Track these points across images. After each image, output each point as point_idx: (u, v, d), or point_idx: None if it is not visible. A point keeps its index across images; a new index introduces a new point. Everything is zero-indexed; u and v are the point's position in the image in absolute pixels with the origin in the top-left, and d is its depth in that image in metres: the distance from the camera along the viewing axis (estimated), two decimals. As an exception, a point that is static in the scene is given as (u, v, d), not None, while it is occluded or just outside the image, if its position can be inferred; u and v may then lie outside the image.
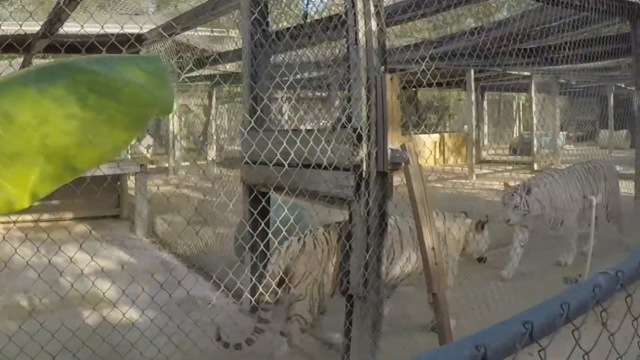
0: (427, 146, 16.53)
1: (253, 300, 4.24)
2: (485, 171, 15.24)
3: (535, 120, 15.57)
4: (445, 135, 18.37)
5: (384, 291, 3.57)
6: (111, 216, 9.33)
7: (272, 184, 3.72)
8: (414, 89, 22.51)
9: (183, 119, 17.91)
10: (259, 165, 3.97)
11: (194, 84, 16.43)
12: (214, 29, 8.84)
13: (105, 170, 7.08)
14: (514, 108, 26.18)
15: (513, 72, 15.03)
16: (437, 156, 17.41)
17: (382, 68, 3.37)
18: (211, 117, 17.40)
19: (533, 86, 15.60)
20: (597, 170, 6.00)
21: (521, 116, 25.48)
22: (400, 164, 3.25)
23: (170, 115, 16.17)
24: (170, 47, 8.78)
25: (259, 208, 3.99)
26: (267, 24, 4.39)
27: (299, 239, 3.74)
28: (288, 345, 3.70)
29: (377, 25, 3.30)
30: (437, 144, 17.51)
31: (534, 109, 15.64)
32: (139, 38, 8.05)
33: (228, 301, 4.94)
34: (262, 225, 4.14)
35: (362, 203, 3.31)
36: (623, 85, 21.02)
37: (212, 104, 17.35)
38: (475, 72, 13.79)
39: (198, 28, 7.98)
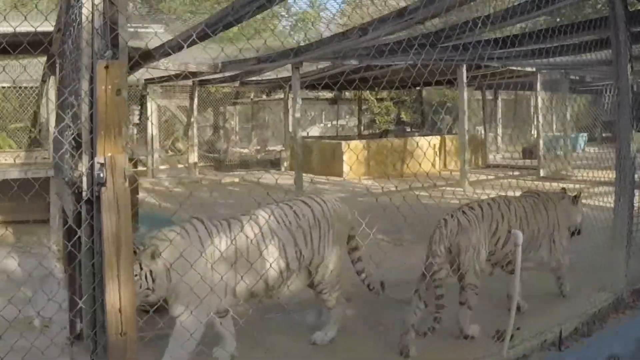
0: (422, 149, 15.17)
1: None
2: (482, 177, 13.82)
3: (540, 121, 14.07)
4: (447, 137, 16.94)
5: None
6: (41, 221, 8.49)
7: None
8: (417, 88, 21.26)
9: (163, 120, 16.97)
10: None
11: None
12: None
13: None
14: (532, 107, 24.58)
15: (515, 69, 13.66)
16: (436, 160, 16.02)
17: (109, 53, 2.17)
18: (192, 119, 16.44)
19: (538, 84, 14.12)
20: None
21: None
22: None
23: (150, 117, 15.29)
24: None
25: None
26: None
27: (452, 217, 4.12)
28: (470, 310, 4.06)
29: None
30: (437, 147, 16.11)
31: (539, 108, 14.14)
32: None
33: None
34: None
35: (85, 231, 2.55)
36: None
37: (194, 105, 16.41)
38: (470, 69, 12.39)
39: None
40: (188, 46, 5.63)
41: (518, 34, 7.12)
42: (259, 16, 6.26)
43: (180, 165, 16.94)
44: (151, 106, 15.17)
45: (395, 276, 5.01)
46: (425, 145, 15.61)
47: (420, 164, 13.91)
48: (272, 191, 4.15)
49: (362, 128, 21.86)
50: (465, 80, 12.16)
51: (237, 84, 16.51)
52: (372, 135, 18.53)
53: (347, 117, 25.20)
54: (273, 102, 21.29)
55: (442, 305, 3.77)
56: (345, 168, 14.13)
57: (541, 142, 14.34)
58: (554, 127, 16.22)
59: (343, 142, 14.63)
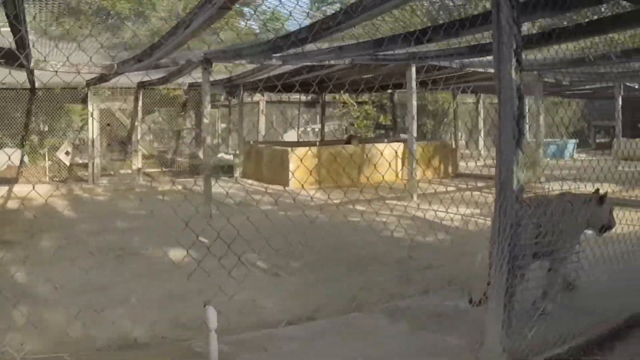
0: (385, 157, 13.87)
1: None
2: (441, 189, 12.46)
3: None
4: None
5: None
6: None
7: None
8: (389, 92, 19.96)
9: (105, 125, 15.81)
10: None
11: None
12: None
13: None
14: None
15: (480, 70, 12.34)
16: (398, 168, 14.70)
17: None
18: (137, 123, 15.29)
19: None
20: None
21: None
22: None
23: (90, 121, 14.22)
24: None
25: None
26: None
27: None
28: None
29: None
30: (400, 154, 14.76)
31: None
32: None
33: None
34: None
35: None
36: (638, 86, 17.94)
37: (138, 108, 15.25)
38: (421, 72, 11.11)
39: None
40: None
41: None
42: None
43: (124, 171, 15.81)
44: (92, 109, 14.03)
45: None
46: (389, 153, 14.33)
47: (383, 173, 12.68)
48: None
49: (324, 133, 20.56)
50: (414, 83, 10.84)
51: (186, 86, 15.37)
52: (338, 141, 17.21)
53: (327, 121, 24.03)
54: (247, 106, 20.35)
55: None
56: (291, 177, 12.83)
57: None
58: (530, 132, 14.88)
59: (289, 149, 13.30)
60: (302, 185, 11.81)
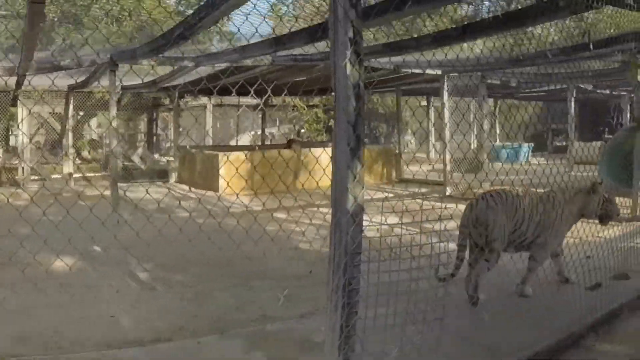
0: (320, 163, 13.19)
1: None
2: (374, 196, 11.86)
3: (447, 130, 12.17)
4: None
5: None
6: None
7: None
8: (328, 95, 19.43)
9: (35, 128, 15.05)
10: None
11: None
12: None
13: None
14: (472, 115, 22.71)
15: (419, 72, 11.83)
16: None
17: None
18: (67, 127, 14.51)
19: (446, 88, 12.26)
20: None
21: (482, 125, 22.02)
22: None
23: (20, 124, 13.49)
24: None
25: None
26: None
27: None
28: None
29: None
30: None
31: (446, 115, 12.26)
32: None
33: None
34: None
35: None
36: (591, 88, 17.66)
37: (69, 112, 14.46)
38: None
39: None
40: None
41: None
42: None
43: (56, 176, 14.97)
44: (22, 113, 13.24)
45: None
46: (326, 158, 13.68)
47: (319, 179, 12.02)
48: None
49: (264, 137, 19.98)
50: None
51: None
52: (279, 146, 16.57)
53: (277, 125, 23.41)
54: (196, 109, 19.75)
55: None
56: (222, 182, 12.13)
57: (447, 154, 12.41)
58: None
59: (220, 154, 12.60)
60: (236, 192, 11.10)
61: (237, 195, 9.68)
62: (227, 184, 11.82)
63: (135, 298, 5.25)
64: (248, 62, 8.72)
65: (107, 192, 12.29)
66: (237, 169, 11.05)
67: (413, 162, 16.71)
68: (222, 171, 12.25)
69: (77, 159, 16.51)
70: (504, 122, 16.92)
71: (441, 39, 6.47)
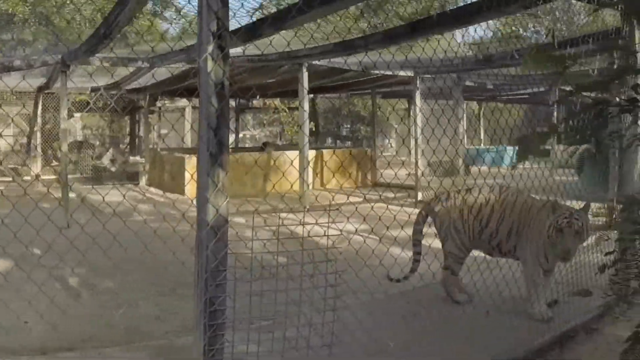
0: (294, 166, 12.95)
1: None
2: (342, 200, 11.56)
3: (418, 132, 11.89)
4: (326, 152, 14.77)
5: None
6: None
7: None
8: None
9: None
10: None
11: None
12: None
13: None
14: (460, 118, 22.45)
15: (390, 73, 11.58)
16: (310, 178, 13.80)
17: None
18: (36, 128, 14.20)
19: (418, 91, 12.00)
20: None
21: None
22: None
23: None
24: None
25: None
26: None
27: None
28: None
29: None
30: (313, 163, 13.88)
31: (419, 119, 12.00)
32: None
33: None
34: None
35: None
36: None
37: (37, 113, 14.17)
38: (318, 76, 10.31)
39: None
40: None
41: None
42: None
43: (26, 178, 14.64)
44: None
45: None
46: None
47: (292, 185, 11.78)
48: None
49: (238, 139, 19.71)
50: (306, 86, 9.97)
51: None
52: (253, 149, 16.33)
53: (255, 127, 23.14)
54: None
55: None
56: (189, 186, 11.83)
57: (420, 159, 12.14)
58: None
59: (186, 157, 12.32)
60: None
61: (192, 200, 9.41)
62: (200, 187, 11.54)
63: (57, 304, 4.97)
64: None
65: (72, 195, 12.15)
66: (191, 175, 10.73)
67: (393, 165, 16.42)
68: (187, 173, 11.96)
69: (53, 161, 16.21)
70: (487, 126, 16.67)
71: (390, 37, 6.20)
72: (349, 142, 22.84)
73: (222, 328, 2.64)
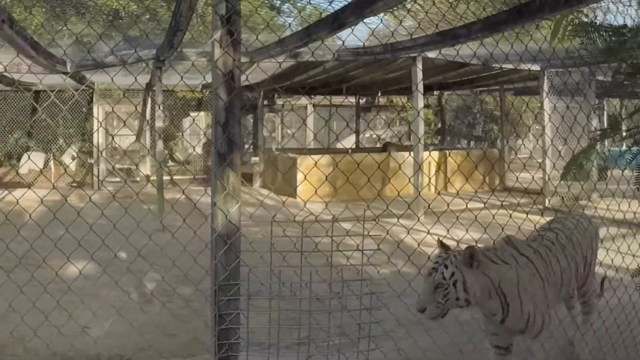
0: (409, 167, 12.50)
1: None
2: (461, 206, 10.87)
3: (548, 129, 10.94)
4: (452, 152, 14.10)
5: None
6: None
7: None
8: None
9: (111, 129, 15.43)
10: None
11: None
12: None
13: None
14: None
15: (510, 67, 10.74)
16: (433, 180, 13.27)
17: None
18: (145, 127, 14.47)
19: (545, 87, 11.03)
20: None
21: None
22: None
23: (95, 124, 13.82)
24: None
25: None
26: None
27: None
28: None
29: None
30: (431, 165, 13.30)
31: (545, 118, 11.03)
32: None
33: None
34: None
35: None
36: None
37: (146, 111, 14.49)
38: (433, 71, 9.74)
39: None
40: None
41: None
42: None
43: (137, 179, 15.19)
44: (97, 112, 13.53)
45: None
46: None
47: (402, 185, 11.36)
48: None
49: (358, 140, 19.23)
50: (420, 82, 9.47)
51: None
52: (373, 149, 15.94)
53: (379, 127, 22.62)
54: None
55: None
56: (300, 188, 11.68)
57: (548, 162, 11.09)
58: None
59: (299, 157, 12.19)
60: (316, 198, 10.70)
61: (305, 203, 9.24)
62: (316, 189, 11.40)
63: (125, 310, 4.90)
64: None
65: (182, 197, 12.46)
66: (304, 175, 10.57)
67: (528, 167, 15.32)
68: (299, 175, 11.82)
69: (169, 161, 16.48)
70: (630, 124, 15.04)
71: (492, 24, 5.61)
72: (484, 143, 21.67)
73: (235, 349, 2.35)
